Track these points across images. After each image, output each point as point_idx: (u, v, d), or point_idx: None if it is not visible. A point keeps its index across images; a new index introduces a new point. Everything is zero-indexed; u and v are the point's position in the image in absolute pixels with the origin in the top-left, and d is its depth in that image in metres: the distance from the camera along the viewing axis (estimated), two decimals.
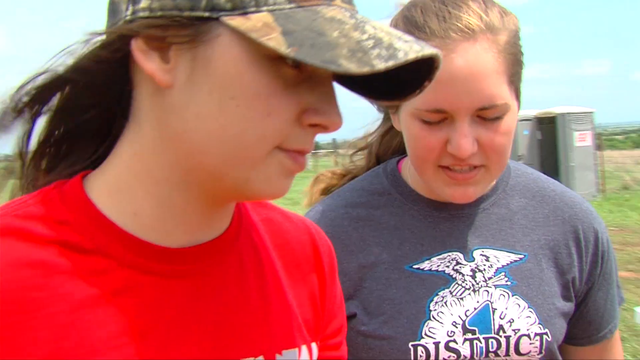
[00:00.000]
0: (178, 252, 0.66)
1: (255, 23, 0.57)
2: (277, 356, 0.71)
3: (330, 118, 0.62)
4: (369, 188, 1.10)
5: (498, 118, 0.93)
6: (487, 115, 0.92)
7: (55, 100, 0.68)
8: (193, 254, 0.67)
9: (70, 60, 0.65)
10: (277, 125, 0.60)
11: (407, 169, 1.10)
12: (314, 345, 0.77)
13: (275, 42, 0.56)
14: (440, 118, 0.92)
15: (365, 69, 0.55)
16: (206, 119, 0.60)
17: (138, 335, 0.61)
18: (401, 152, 1.17)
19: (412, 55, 0.57)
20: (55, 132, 0.70)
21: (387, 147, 1.18)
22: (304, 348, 0.74)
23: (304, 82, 0.62)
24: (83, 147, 0.71)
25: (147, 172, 0.65)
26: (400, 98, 0.67)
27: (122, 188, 0.65)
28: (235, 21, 0.57)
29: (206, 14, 0.58)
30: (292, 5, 0.58)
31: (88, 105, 0.68)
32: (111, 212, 0.65)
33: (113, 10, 0.64)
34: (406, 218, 1.06)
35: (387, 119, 1.19)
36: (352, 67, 0.54)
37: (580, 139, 12.07)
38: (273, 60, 0.59)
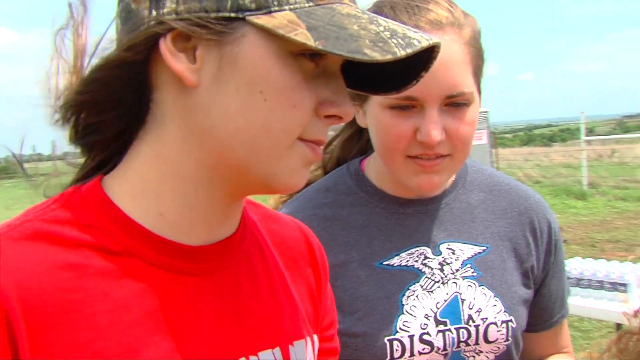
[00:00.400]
0: (201, 250, 0.68)
1: (280, 20, 0.60)
2: (290, 347, 0.74)
3: (345, 109, 0.67)
4: (334, 188, 1.11)
5: (465, 105, 0.97)
6: (455, 102, 0.95)
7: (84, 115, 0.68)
8: (213, 251, 0.70)
9: (93, 63, 0.66)
10: (301, 116, 0.64)
11: (371, 168, 1.11)
12: (315, 337, 0.81)
13: (303, 36, 0.59)
14: (410, 104, 0.95)
15: (388, 57, 0.59)
16: (234, 114, 0.63)
17: (170, 332, 0.64)
18: (361, 154, 1.19)
19: (425, 43, 0.62)
20: (87, 145, 0.70)
21: (348, 152, 1.20)
22: (308, 339, 0.78)
23: (319, 76, 0.65)
24: (97, 152, 0.71)
25: (173, 172, 0.66)
26: (396, 90, 0.71)
27: (146, 189, 0.67)
28: (262, 20, 0.60)
29: (232, 15, 0.60)
30: (311, 3, 0.62)
31: (105, 110, 0.68)
32: (135, 213, 0.66)
33: (128, 18, 0.64)
34: (373, 216, 1.08)
35: (347, 126, 1.20)
36: (377, 55, 0.59)
37: (477, 138, 12.60)
38: (295, 55, 0.62)
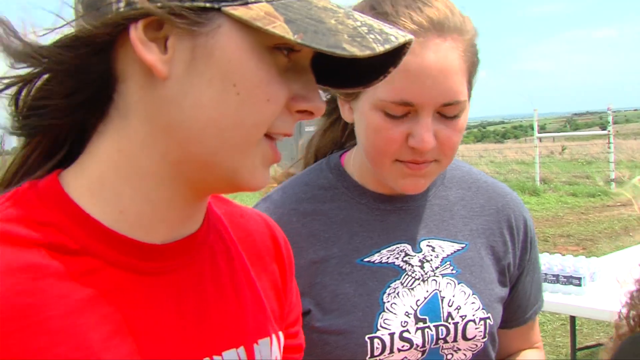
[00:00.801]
0: (162, 249, 0.66)
1: (257, 12, 0.58)
2: (255, 346, 0.73)
3: (317, 104, 0.65)
4: (314, 183, 1.10)
5: (456, 116, 0.96)
6: (448, 111, 0.94)
7: (26, 92, 0.64)
8: (175, 250, 0.67)
9: (49, 49, 0.61)
10: (274, 110, 0.62)
11: (351, 163, 1.10)
12: (281, 334, 0.80)
13: (281, 30, 0.57)
14: (405, 111, 0.93)
15: (367, 52, 0.58)
16: (206, 107, 0.60)
17: (130, 334, 0.61)
18: (338, 147, 1.18)
19: (401, 39, 0.61)
20: (29, 129, 0.65)
21: (326, 143, 1.18)
22: (274, 337, 0.77)
23: (289, 70, 0.64)
24: (53, 145, 0.67)
25: (135, 167, 0.64)
26: (363, 85, 0.70)
27: (106, 185, 0.64)
28: (238, 11, 0.58)
29: (207, 5, 0.58)
30: None
31: (62, 100, 0.64)
32: (95, 210, 0.63)
33: (92, 5, 0.60)
34: (354, 212, 1.07)
35: (322, 119, 1.19)
36: (355, 50, 0.58)
37: None
38: (270, 48, 0.61)
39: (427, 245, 1.06)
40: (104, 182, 0.63)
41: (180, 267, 0.68)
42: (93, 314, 0.59)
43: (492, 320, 1.06)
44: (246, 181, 0.65)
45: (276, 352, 0.77)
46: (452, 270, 1.06)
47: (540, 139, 15.27)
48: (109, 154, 0.64)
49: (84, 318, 0.58)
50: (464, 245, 1.09)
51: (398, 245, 1.05)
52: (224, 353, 0.69)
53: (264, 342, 0.74)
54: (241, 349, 0.71)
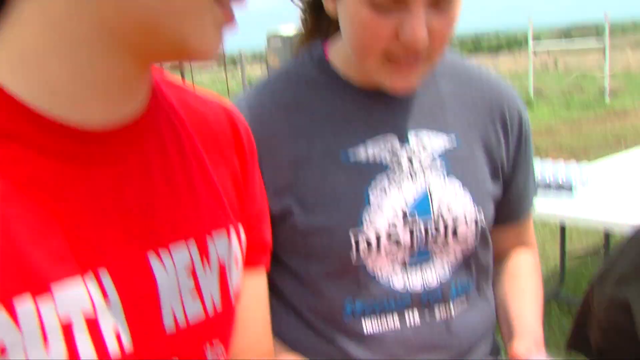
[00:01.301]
0: (99, 135, 0.58)
1: None
2: (208, 237, 0.67)
3: None
4: (295, 75, 1.02)
5: (452, 4, 0.86)
6: (442, 1, 0.85)
7: None
8: (114, 136, 0.60)
9: None
10: None
11: (336, 54, 1.02)
12: (240, 226, 0.74)
13: None
14: (392, 2, 0.84)
15: None
16: None
17: (61, 227, 0.55)
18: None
19: None
20: None
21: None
22: (231, 228, 0.71)
23: None
24: None
25: (64, 37, 0.54)
26: None
27: (30, 59, 0.54)
28: None
29: None
30: None
31: None
32: (17, 87, 0.54)
33: None
34: (338, 105, 0.99)
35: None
36: None
37: None
38: None
39: (416, 138, 1.00)
40: (27, 55, 0.54)
41: (122, 155, 0.61)
42: (18, 205, 0.52)
43: (483, 217, 1.01)
44: (196, 47, 0.57)
45: (236, 246, 0.71)
46: (442, 166, 1.00)
47: (535, 53, 14.96)
48: (32, 23, 0.54)
49: (9, 209, 0.51)
50: (455, 140, 1.02)
51: (385, 137, 0.98)
52: (171, 245, 0.63)
53: (219, 233, 0.69)
54: (191, 241, 0.65)
